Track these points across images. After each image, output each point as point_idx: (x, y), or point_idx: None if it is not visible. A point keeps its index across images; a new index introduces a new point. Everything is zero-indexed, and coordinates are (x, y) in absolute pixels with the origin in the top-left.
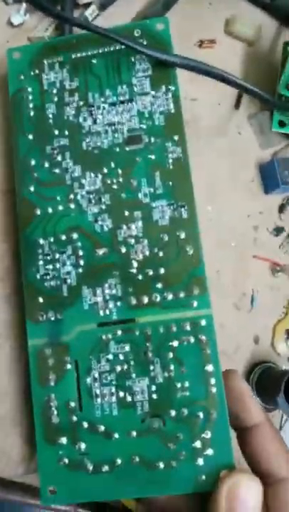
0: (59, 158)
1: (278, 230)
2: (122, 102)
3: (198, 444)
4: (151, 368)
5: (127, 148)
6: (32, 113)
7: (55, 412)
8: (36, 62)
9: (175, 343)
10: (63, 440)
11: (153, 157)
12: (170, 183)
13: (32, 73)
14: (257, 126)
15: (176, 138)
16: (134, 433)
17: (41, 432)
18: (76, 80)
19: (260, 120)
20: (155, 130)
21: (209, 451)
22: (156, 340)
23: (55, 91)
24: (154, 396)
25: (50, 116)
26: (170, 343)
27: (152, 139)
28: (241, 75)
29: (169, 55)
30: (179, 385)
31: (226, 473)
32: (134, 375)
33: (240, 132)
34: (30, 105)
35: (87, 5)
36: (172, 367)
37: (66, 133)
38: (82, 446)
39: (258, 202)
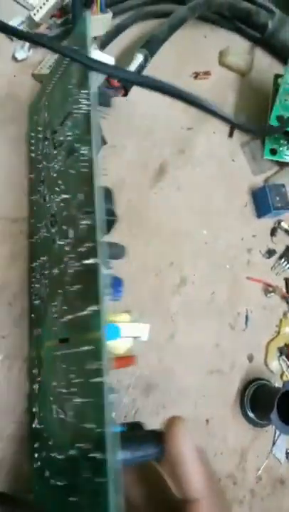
0: (41, 188)
1: (270, 253)
2: (65, 118)
3: None
4: (72, 390)
5: (67, 163)
6: (33, 155)
7: (36, 418)
8: (36, 109)
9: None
10: (37, 444)
11: (80, 165)
12: (85, 188)
13: (34, 119)
14: (249, 153)
15: (88, 139)
16: (63, 455)
17: (31, 433)
18: (50, 112)
19: (253, 148)
20: (79, 137)
21: None
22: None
23: (40, 128)
24: (77, 423)
25: (39, 152)
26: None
27: (79, 147)
28: (234, 105)
29: (83, 58)
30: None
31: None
32: (67, 396)
33: (233, 159)
34: (32, 148)
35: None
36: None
37: (45, 164)
38: (44, 454)
39: (251, 226)
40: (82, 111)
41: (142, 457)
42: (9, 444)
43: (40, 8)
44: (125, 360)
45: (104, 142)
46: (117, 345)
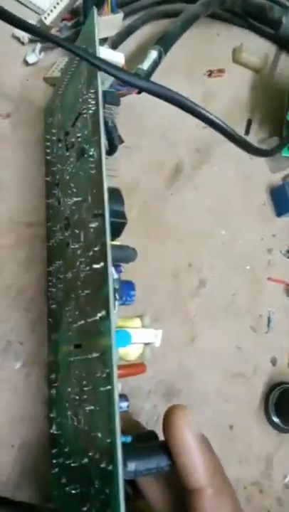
0: (56, 191)
1: None
2: (76, 119)
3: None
4: (84, 397)
5: (78, 165)
6: (49, 157)
7: (53, 424)
8: (51, 111)
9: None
10: (55, 450)
11: (89, 166)
12: (94, 190)
13: (49, 121)
14: None
15: (95, 140)
16: (77, 463)
17: (49, 438)
18: (63, 113)
19: (270, 145)
20: (87, 138)
21: None
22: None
23: (55, 130)
24: (88, 431)
25: (54, 155)
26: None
27: (88, 148)
28: (250, 102)
29: (90, 56)
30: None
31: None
32: (79, 403)
33: (250, 157)
34: (48, 150)
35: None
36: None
37: (59, 167)
38: (61, 460)
39: (270, 225)
40: (91, 111)
41: (155, 469)
42: (29, 451)
43: (51, 11)
44: (134, 368)
45: (121, 141)
46: (127, 352)
